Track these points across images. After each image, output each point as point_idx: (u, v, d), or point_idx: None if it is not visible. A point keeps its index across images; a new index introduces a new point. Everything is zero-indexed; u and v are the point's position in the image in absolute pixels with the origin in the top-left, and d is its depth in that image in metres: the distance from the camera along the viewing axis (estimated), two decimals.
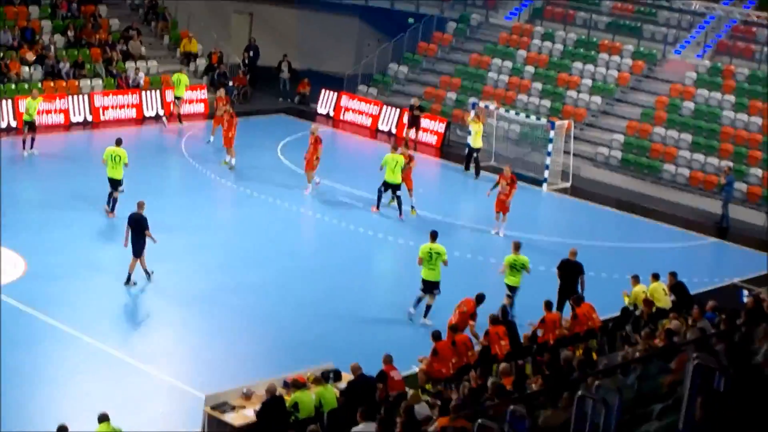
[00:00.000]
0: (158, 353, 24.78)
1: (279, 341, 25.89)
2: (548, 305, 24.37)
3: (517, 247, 27.74)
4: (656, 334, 20.91)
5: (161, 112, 45.08)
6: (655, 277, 26.19)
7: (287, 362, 23.42)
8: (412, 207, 35.29)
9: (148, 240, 27.75)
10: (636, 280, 26.27)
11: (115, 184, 32.62)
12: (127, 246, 27.75)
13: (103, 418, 18.46)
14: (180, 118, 44.58)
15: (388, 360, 21.08)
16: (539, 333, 23.68)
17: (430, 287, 27.00)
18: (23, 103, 39.69)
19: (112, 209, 32.57)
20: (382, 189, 35.03)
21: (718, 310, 22.01)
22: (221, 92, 42.60)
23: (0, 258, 28.02)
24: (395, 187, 34.82)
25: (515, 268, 27.27)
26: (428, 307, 26.92)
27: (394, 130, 46.47)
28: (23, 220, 31.51)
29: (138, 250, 27.75)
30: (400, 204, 34.86)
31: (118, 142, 33.14)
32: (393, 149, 35.90)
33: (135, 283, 27.76)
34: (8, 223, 30.73)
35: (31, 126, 38.55)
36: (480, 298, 24.67)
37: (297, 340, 25.77)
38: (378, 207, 35.28)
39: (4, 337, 23.82)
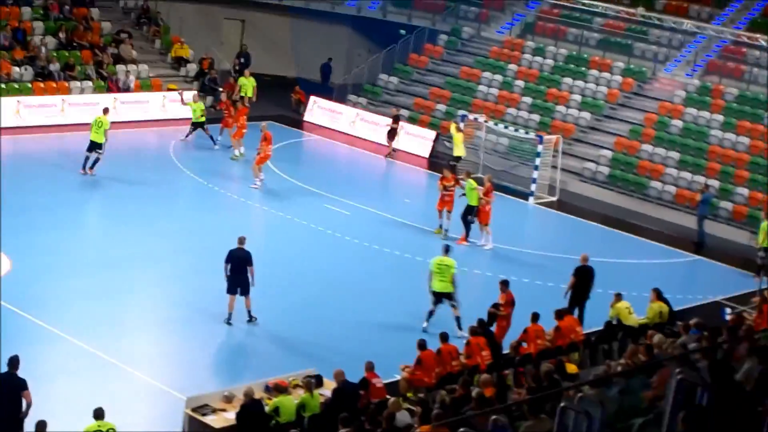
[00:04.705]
0: (143, 356, 24.78)
1: (262, 347, 25.99)
2: (534, 317, 24.43)
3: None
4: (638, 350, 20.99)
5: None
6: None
7: (270, 367, 23.51)
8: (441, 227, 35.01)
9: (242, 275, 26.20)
10: (619, 297, 26.44)
11: (94, 146, 35.99)
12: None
13: (99, 415, 18.32)
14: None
15: (370, 367, 21.18)
16: (523, 344, 23.78)
17: (441, 298, 27.13)
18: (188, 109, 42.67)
19: (92, 167, 35.54)
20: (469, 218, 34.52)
21: (701, 327, 22.10)
22: (223, 96, 45.35)
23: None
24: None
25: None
26: (458, 319, 26.84)
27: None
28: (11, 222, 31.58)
29: (244, 288, 26.14)
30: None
31: (105, 111, 37.07)
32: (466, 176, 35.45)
33: (255, 318, 26.62)
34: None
35: (200, 125, 41.96)
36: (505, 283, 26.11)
37: (281, 346, 25.87)
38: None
39: None
